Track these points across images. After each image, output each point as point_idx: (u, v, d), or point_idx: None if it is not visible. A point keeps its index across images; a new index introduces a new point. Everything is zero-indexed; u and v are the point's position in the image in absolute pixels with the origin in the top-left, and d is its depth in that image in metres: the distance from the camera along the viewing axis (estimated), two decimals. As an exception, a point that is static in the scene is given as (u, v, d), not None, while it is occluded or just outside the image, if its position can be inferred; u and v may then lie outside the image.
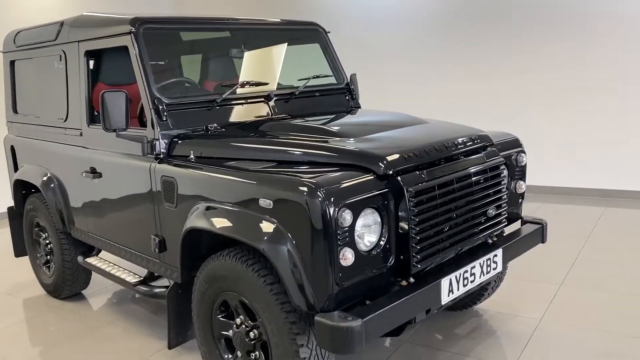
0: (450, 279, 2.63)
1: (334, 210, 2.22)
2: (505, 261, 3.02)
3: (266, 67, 3.94)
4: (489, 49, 6.93)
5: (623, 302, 3.80)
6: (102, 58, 3.89)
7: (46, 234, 4.40)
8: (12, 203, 4.73)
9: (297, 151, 2.71)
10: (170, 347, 3.08)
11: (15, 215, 4.73)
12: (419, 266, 2.52)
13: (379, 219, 2.45)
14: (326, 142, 2.74)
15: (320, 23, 4.22)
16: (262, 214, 2.42)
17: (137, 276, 3.53)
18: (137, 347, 3.55)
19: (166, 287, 3.27)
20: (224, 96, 3.32)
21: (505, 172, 3.02)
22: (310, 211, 2.24)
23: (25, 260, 4.78)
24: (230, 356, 2.82)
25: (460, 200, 2.71)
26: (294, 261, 2.31)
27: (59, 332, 3.87)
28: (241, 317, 2.67)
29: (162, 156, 3.07)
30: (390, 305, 2.33)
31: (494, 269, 2.94)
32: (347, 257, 2.27)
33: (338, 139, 2.77)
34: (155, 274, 3.49)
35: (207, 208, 2.68)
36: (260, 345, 2.63)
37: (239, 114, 3.41)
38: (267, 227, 2.39)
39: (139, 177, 3.17)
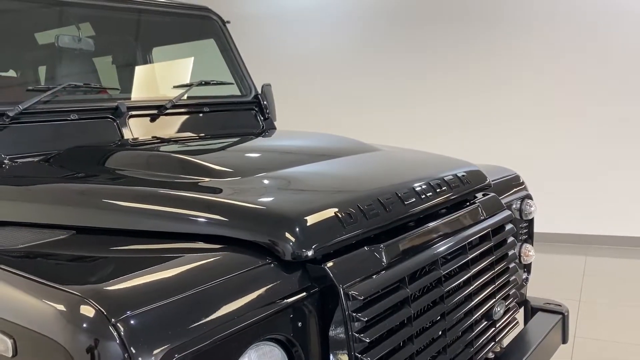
0: None
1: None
2: (520, 393, 1.70)
3: (123, 67, 2.54)
4: (444, 60, 5.70)
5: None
6: None
7: None
8: None
9: (123, 206, 1.30)
10: None
11: None
12: None
13: (286, 363, 1.08)
14: (188, 186, 1.35)
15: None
16: (-3, 367, 0.99)
17: None
18: None
19: None
20: (22, 107, 1.88)
21: (513, 237, 1.74)
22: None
23: None
24: None
25: (450, 298, 1.38)
26: None
27: None
28: None
29: None
30: None
31: (507, 414, 1.61)
32: None
33: (209, 179, 1.39)
34: None
35: None
36: None
37: (59, 139, 1.98)
38: (-1, 404, 0.96)
39: None
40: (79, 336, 0.85)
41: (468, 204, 1.64)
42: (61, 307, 0.89)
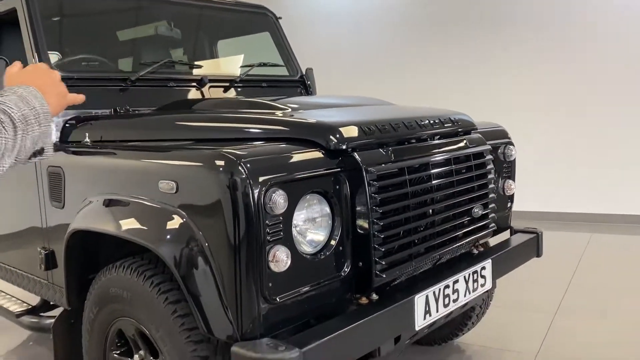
0: (427, 296, 1.95)
1: (260, 190, 1.54)
2: (495, 276, 2.35)
3: (202, 50, 3.30)
4: (465, 57, 6.36)
5: (626, 333, 3.17)
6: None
7: None
8: None
9: (224, 126, 2.04)
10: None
11: None
12: (383, 276, 1.83)
13: (328, 210, 1.78)
14: (265, 114, 2.08)
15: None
16: (164, 202, 1.72)
17: (25, 304, 2.73)
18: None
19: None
20: (140, 74, 2.64)
21: (492, 164, 2.39)
22: (224, 192, 1.55)
23: None
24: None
25: (437, 191, 2.06)
26: (204, 269, 1.61)
27: None
28: (141, 352, 1.94)
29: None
30: (343, 329, 1.63)
31: (482, 285, 2.26)
32: (280, 258, 1.58)
33: (281, 112, 2.12)
34: (51, 302, 2.71)
35: (96, 203, 1.96)
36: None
37: (162, 99, 2.73)
38: (169, 221, 1.69)
39: (22, 170, 2.44)
40: (221, 174, 1.56)
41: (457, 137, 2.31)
42: (209, 159, 1.61)
